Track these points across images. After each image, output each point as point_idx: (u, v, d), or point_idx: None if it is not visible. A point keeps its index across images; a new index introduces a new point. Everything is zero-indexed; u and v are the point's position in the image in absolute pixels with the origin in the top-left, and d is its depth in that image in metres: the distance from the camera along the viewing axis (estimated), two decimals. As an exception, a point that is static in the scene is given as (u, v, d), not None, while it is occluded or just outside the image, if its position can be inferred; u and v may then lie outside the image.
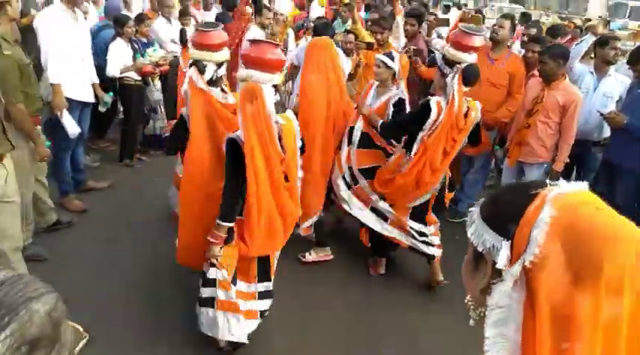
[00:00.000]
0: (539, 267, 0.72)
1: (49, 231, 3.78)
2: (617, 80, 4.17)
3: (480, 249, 0.81)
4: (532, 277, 0.73)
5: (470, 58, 3.11)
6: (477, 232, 0.82)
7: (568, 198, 0.74)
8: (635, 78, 3.88)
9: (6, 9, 2.99)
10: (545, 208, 0.73)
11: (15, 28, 3.80)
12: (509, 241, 0.76)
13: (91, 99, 4.29)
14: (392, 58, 3.40)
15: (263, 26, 5.60)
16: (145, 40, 5.15)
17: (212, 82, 2.75)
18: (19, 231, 2.86)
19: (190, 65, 2.77)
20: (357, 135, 3.47)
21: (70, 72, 3.96)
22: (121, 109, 5.36)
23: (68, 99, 3.95)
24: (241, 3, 7.73)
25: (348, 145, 3.50)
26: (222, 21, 4.75)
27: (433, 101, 3.10)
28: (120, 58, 4.78)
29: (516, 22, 5.46)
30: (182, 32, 5.03)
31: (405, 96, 3.49)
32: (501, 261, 0.76)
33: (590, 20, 10.72)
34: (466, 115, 3.15)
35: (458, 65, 3.08)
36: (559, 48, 3.95)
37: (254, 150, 2.29)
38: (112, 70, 4.72)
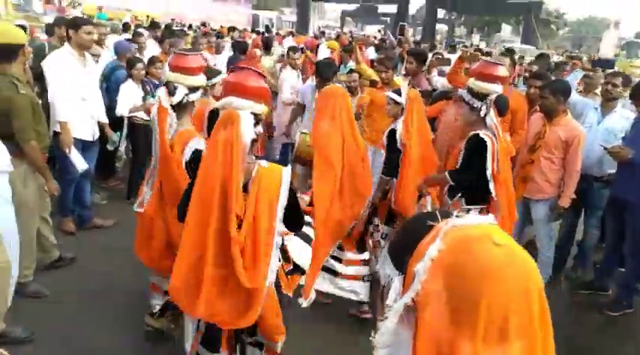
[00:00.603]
0: (422, 305, 0.66)
1: (50, 267, 3.80)
2: (623, 116, 4.14)
3: (382, 281, 0.77)
4: (417, 315, 0.68)
5: (498, 88, 3.07)
6: (382, 264, 0.79)
7: (465, 231, 0.69)
8: (638, 112, 3.85)
9: (24, 51, 3.11)
10: (435, 242, 0.68)
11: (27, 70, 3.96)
12: (403, 275, 0.71)
13: (92, 138, 4.37)
14: (399, 94, 3.46)
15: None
16: (156, 81, 5.31)
17: (181, 106, 2.70)
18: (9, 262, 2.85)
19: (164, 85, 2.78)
20: None
21: (74, 112, 4.09)
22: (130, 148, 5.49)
23: (74, 139, 4.07)
24: (252, 46, 8.03)
25: None
26: (234, 63, 4.91)
27: (482, 133, 3.05)
28: (129, 98, 4.93)
29: (517, 58, 5.53)
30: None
31: (398, 127, 3.45)
32: (390, 296, 0.72)
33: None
34: None
35: (489, 97, 3.04)
36: (560, 83, 3.96)
37: (206, 174, 2.04)
38: (121, 109, 4.88)
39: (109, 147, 4.75)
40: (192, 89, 2.70)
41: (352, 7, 37.45)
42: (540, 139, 3.74)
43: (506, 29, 47.18)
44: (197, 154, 2.53)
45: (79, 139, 4.20)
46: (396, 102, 3.43)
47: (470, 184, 3.18)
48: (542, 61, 7.26)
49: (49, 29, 6.23)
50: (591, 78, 5.72)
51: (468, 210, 3.13)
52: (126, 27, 10.10)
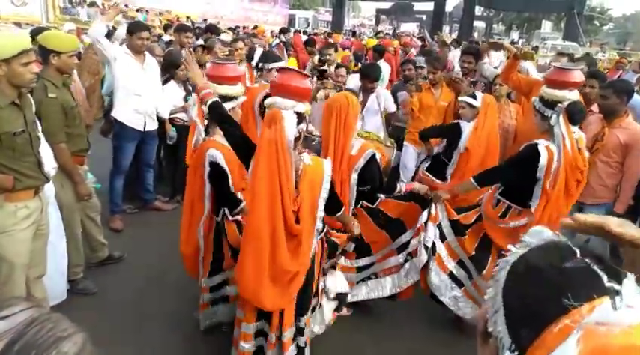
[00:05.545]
0: None
1: (100, 265, 3.89)
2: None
3: (489, 328, 0.65)
4: None
5: (571, 95, 2.91)
6: (493, 305, 0.65)
7: (615, 340, 0.51)
8: None
9: (60, 57, 3.20)
10: (568, 343, 0.53)
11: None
12: (515, 353, 0.59)
13: (142, 129, 4.61)
14: (475, 98, 3.41)
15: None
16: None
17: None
18: (45, 262, 2.95)
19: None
20: (447, 227, 3.20)
21: (130, 105, 4.48)
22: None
23: (126, 127, 4.50)
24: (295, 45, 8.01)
25: (443, 242, 3.20)
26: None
27: (542, 145, 2.85)
28: (171, 99, 4.99)
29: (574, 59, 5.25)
30: (250, 51, 5.18)
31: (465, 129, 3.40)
32: None
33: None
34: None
35: (560, 104, 2.86)
36: (624, 83, 3.79)
37: (258, 175, 2.16)
38: (164, 112, 4.93)
39: (169, 141, 4.99)
40: (228, 98, 2.70)
41: (387, 5, 37.15)
42: (598, 141, 3.58)
43: (546, 26, 45.77)
44: (213, 167, 2.66)
45: (133, 128, 4.53)
46: (472, 106, 3.38)
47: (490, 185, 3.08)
48: (587, 60, 6.94)
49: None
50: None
51: (509, 207, 3.03)
52: (166, 29, 10.28)
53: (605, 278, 0.57)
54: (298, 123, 2.21)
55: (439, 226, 3.19)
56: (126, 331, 3.19)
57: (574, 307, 0.55)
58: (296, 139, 2.23)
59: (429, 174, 3.70)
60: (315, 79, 5.25)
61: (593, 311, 0.54)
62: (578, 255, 0.61)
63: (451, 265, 3.20)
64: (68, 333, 0.71)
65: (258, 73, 4.43)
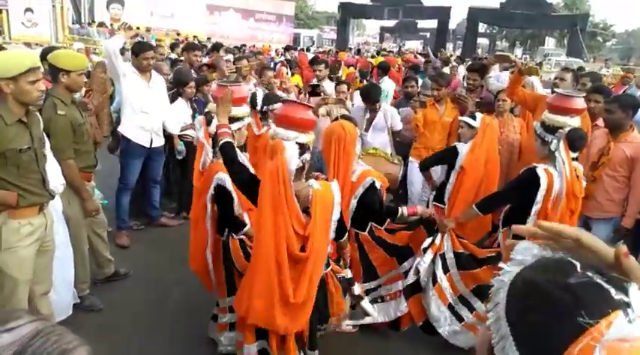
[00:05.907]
0: None
1: (106, 281, 3.89)
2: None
3: (494, 343, 0.63)
4: None
5: (572, 121, 2.91)
6: (498, 331, 0.62)
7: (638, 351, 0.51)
8: None
9: (69, 76, 3.24)
10: None
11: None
12: None
13: (149, 145, 4.65)
14: (474, 118, 3.42)
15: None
16: (204, 100, 5.41)
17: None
18: (50, 278, 2.95)
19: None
20: (450, 259, 3.20)
21: (136, 122, 4.55)
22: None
23: (133, 144, 4.55)
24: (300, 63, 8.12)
25: (445, 273, 3.20)
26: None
27: (540, 169, 2.86)
28: (179, 117, 5.04)
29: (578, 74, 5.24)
30: (253, 96, 5.22)
31: (462, 149, 3.39)
32: None
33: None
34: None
35: (561, 130, 2.87)
36: (629, 97, 3.80)
37: (263, 206, 2.20)
38: (172, 128, 4.97)
39: (178, 156, 5.05)
40: (234, 119, 2.72)
41: (391, 23, 37.49)
42: (604, 156, 3.57)
43: (549, 42, 46.02)
44: (219, 189, 2.70)
45: (140, 145, 4.58)
46: (470, 126, 3.38)
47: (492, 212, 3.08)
48: (592, 76, 6.92)
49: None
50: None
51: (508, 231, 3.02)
52: (173, 48, 10.42)
53: (612, 290, 0.56)
54: (301, 153, 2.23)
55: (442, 256, 3.19)
56: (132, 348, 3.17)
57: (590, 325, 0.54)
58: (300, 169, 2.26)
59: (438, 204, 3.58)
60: (307, 95, 5.31)
61: (611, 327, 0.53)
62: (579, 269, 0.59)
63: (452, 298, 3.20)
64: (73, 346, 0.71)
65: (263, 116, 4.30)
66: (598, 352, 0.52)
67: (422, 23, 36.26)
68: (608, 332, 0.53)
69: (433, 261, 3.19)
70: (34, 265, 2.77)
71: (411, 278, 3.18)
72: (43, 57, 3.50)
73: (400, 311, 3.25)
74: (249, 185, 2.37)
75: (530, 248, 0.67)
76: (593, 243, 0.72)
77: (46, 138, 2.86)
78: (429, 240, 3.16)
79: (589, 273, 0.59)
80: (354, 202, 2.90)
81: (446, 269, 3.18)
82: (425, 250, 3.14)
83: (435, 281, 3.19)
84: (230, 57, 8.14)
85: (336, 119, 3.05)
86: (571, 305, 0.56)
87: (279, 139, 2.22)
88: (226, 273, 2.89)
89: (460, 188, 3.33)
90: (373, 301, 3.21)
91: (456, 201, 3.34)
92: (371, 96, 4.73)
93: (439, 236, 3.18)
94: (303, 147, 2.24)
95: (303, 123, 2.25)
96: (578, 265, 0.60)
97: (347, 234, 2.67)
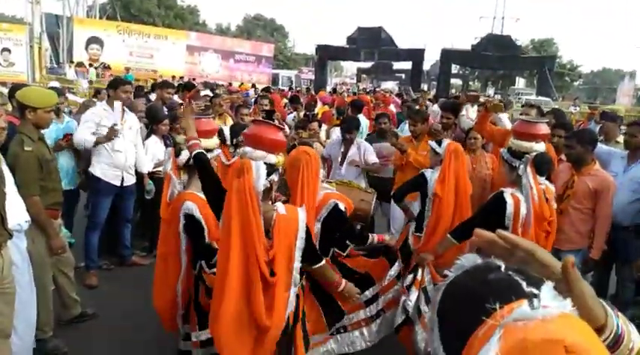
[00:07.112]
0: None
1: (71, 322, 3.76)
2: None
3: (429, 348, 0.69)
4: None
5: (538, 146, 3.00)
6: (431, 326, 0.68)
7: (533, 332, 0.55)
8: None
9: (36, 113, 3.26)
10: (491, 344, 0.55)
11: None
12: None
13: (120, 184, 4.62)
14: (439, 144, 3.49)
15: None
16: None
17: (189, 167, 2.78)
18: (10, 321, 2.79)
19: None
20: (431, 291, 3.18)
21: (107, 160, 4.53)
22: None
23: (102, 182, 4.51)
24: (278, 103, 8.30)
25: (428, 305, 3.15)
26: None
27: (507, 193, 2.94)
28: (153, 154, 5.03)
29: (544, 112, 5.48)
30: (220, 131, 5.27)
31: (431, 176, 3.45)
32: None
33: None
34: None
35: (527, 155, 2.95)
36: (587, 132, 3.93)
37: (230, 225, 2.12)
38: (143, 166, 4.93)
39: (147, 196, 4.96)
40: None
41: (368, 64, 38.57)
42: (569, 189, 3.67)
43: (520, 82, 47.83)
44: (188, 219, 2.68)
45: (110, 183, 4.54)
46: (436, 152, 3.44)
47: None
48: (555, 112, 7.23)
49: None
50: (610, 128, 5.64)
51: None
52: (154, 88, 10.49)
53: (524, 284, 0.61)
54: (269, 174, 2.20)
55: (424, 290, 3.19)
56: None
57: (495, 310, 0.59)
58: (267, 190, 2.23)
59: (419, 234, 3.56)
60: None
61: (512, 312, 0.57)
62: (502, 269, 0.65)
63: None
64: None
65: (236, 148, 4.34)
66: (497, 332, 0.56)
67: (397, 65, 37.44)
68: (510, 316, 0.57)
69: (417, 296, 3.18)
70: None
71: (399, 318, 3.16)
72: (12, 94, 3.50)
73: (368, 341, 3.17)
74: (218, 196, 2.31)
75: (474, 258, 0.72)
76: (546, 258, 0.79)
77: (8, 175, 2.81)
78: (395, 267, 3.14)
79: (510, 272, 0.64)
80: (318, 225, 2.86)
81: (428, 301, 3.16)
82: (409, 288, 3.14)
83: (419, 313, 3.17)
84: (208, 92, 8.25)
85: (294, 147, 3.08)
86: (484, 295, 0.61)
87: (247, 158, 2.18)
88: (196, 307, 2.82)
89: (439, 216, 3.34)
90: (336, 332, 3.15)
91: (435, 230, 3.35)
92: (348, 126, 4.96)
93: (419, 270, 3.17)
94: (271, 167, 2.22)
95: (273, 144, 2.23)
96: (503, 266, 0.65)
97: (323, 261, 2.58)
